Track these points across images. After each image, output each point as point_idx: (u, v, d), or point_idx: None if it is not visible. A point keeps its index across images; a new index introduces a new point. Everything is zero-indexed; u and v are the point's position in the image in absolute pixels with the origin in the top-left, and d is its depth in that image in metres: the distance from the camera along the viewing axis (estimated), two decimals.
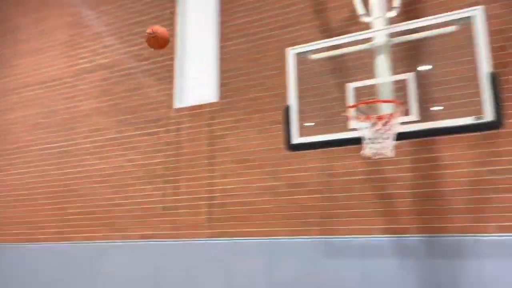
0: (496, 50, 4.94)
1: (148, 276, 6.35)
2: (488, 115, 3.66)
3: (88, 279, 6.79)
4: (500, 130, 4.59)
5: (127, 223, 6.80)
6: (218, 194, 6.26)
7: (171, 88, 7.05)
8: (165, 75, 7.15)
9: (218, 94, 6.63)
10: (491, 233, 4.69)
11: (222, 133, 6.44)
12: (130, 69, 7.46)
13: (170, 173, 6.69)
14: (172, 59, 7.16)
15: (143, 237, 6.62)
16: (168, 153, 6.78)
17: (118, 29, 7.78)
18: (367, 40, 4.51)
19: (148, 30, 4.15)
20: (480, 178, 4.86)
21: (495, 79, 3.68)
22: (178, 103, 6.96)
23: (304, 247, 5.50)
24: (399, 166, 5.24)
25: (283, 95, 5.78)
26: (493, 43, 4.93)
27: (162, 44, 4.22)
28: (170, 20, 7.32)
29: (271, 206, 5.88)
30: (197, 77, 7.04)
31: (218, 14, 6.94)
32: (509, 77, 4.86)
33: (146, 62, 7.35)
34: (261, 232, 5.84)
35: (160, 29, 4.17)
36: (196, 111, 6.73)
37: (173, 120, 6.88)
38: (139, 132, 7.08)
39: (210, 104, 6.65)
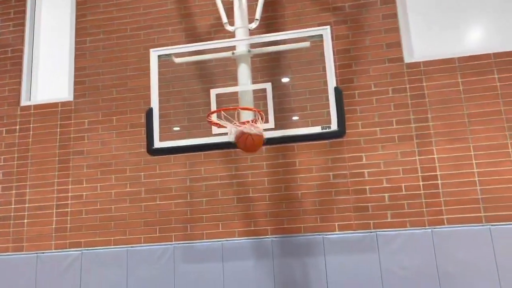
0: (342, 67, 5.55)
1: None
2: (334, 125, 4.04)
3: None
4: (343, 139, 5.17)
5: None
6: (71, 202, 5.76)
7: (17, 83, 6.28)
8: (11, 68, 6.35)
9: (73, 93, 6.12)
10: (335, 231, 5.20)
11: (77, 135, 5.95)
12: None
13: (13, 178, 5.93)
14: (20, 50, 6.39)
15: None
16: (11, 156, 6.01)
17: None
18: (231, 48, 4.63)
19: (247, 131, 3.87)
20: (326, 182, 5.36)
21: (339, 93, 4.09)
22: (25, 100, 6.23)
23: (163, 253, 5.38)
24: (257, 171, 5.50)
25: (145, 97, 5.63)
26: (339, 60, 5.55)
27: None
28: (19, 7, 6.53)
29: (130, 213, 5.63)
30: (49, 73, 6.40)
31: (74, 7, 6.42)
32: (352, 92, 5.48)
33: None
34: (118, 241, 5.55)
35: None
36: (46, 109, 6.10)
37: (19, 119, 6.13)
38: None
39: (63, 103, 6.10)
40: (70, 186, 5.81)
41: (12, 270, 5.58)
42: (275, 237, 5.27)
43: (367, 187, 5.26)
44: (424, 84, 5.40)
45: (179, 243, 5.41)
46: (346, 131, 4.16)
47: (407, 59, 5.52)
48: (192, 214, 5.52)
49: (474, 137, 5.17)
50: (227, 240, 5.35)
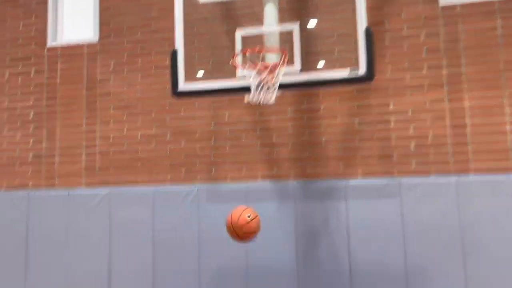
0: (373, 9, 5.30)
1: (19, 230, 5.85)
2: (362, 69, 3.92)
3: None
4: (371, 85, 5.03)
5: None
6: (99, 142, 5.91)
7: (43, 23, 6.27)
8: (36, 7, 6.32)
9: (98, 34, 6.09)
10: (358, 177, 5.21)
11: (103, 77, 5.99)
12: None
13: (43, 118, 6.09)
14: None
15: (10, 187, 6.02)
16: (40, 95, 6.13)
17: None
18: None
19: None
20: (351, 128, 5.30)
21: (370, 35, 3.93)
22: (51, 41, 6.25)
23: (188, 194, 5.53)
24: (281, 116, 5.46)
25: (170, 39, 5.54)
26: (370, 1, 5.29)
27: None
28: None
29: (156, 154, 5.75)
30: (74, 13, 6.34)
31: None
32: (382, 35, 5.26)
33: None
34: (145, 180, 5.72)
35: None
36: (72, 50, 6.12)
37: (46, 60, 6.19)
38: (4, 71, 6.25)
39: (89, 45, 6.09)
40: (97, 127, 5.94)
41: (45, 205, 5.85)
42: (298, 181, 5.32)
43: (393, 134, 5.18)
44: (460, 28, 5.13)
45: (203, 185, 5.54)
46: (375, 76, 4.04)
47: (443, 2, 5.22)
48: (216, 157, 5.60)
49: (509, 84, 4.95)
50: (250, 183, 5.43)
